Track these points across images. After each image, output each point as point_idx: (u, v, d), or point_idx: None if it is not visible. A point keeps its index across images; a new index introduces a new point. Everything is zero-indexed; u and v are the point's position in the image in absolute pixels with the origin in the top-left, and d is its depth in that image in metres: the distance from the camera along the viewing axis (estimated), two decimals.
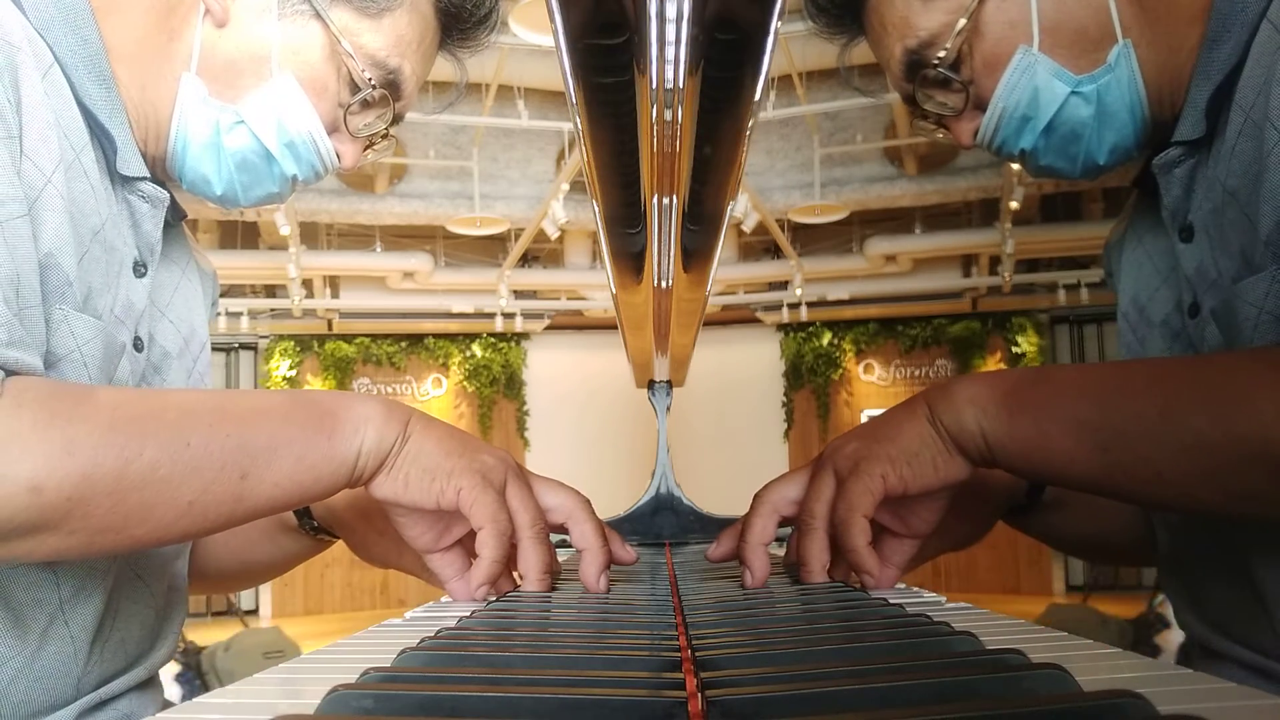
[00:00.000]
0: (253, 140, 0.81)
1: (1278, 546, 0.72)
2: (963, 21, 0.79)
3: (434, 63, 0.91)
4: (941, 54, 0.81)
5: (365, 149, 0.89)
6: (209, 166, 0.81)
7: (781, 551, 1.10)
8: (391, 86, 0.85)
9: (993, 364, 9.26)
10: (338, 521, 0.93)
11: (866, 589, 0.75)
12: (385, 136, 0.89)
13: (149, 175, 0.79)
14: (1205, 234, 0.76)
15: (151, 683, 0.86)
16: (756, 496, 0.83)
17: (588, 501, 0.79)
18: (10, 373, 0.60)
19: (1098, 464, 0.67)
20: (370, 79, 0.83)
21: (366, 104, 0.85)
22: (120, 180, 0.77)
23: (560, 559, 1.03)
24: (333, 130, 0.85)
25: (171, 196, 0.86)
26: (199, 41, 0.78)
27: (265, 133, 0.80)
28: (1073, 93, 0.78)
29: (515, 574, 0.80)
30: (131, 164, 0.77)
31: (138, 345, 0.80)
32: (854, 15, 0.89)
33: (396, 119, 0.88)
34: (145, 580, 0.82)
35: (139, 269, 0.79)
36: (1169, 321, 0.85)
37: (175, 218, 0.87)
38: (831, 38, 0.92)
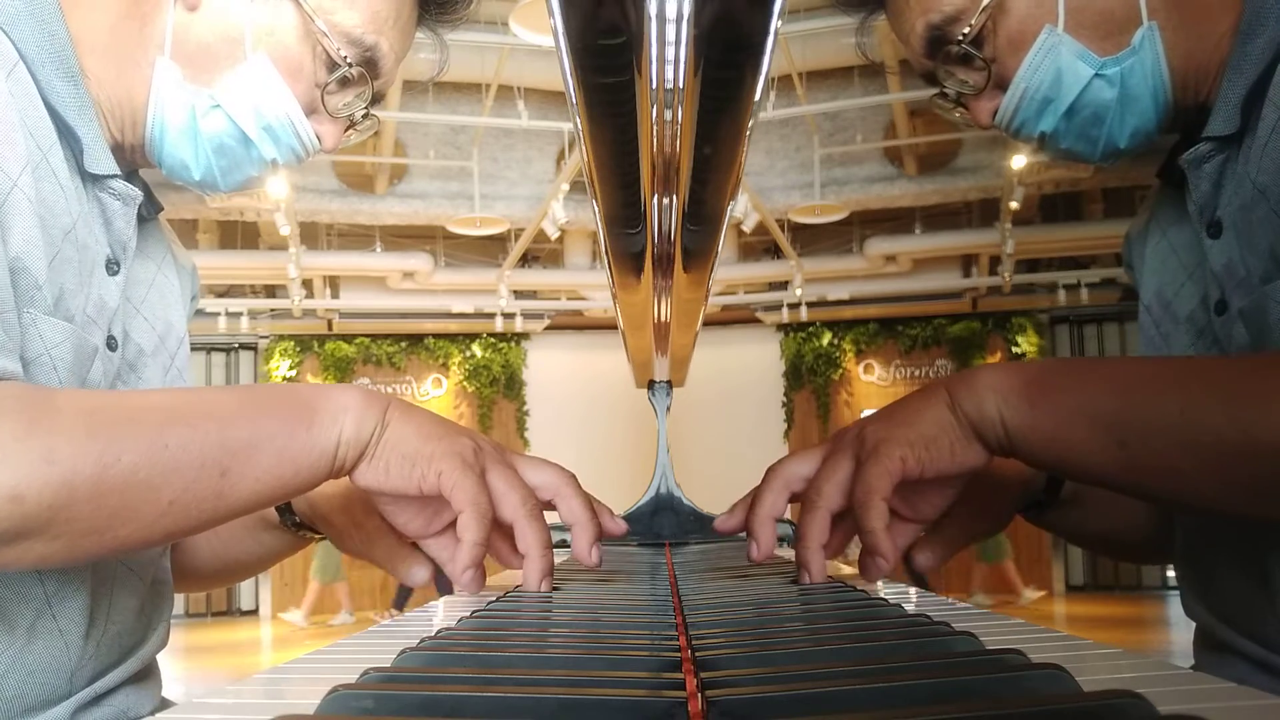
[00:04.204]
0: (229, 124, 0.80)
1: None
2: None
3: (413, 38, 0.90)
4: (965, 31, 0.80)
5: (347, 129, 0.87)
6: (186, 152, 0.80)
7: (788, 555, 1.10)
8: (369, 64, 0.83)
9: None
10: (319, 517, 0.93)
11: (871, 572, 0.75)
12: (366, 116, 0.87)
13: (119, 172, 0.78)
14: (1234, 230, 0.76)
15: (149, 677, 0.86)
16: (769, 470, 0.82)
17: (573, 476, 0.79)
18: None
19: (1116, 459, 0.67)
20: (346, 57, 0.81)
21: (344, 83, 0.84)
22: (90, 178, 0.77)
23: (560, 560, 1.03)
24: (311, 111, 0.83)
25: (148, 191, 0.86)
26: (171, 25, 0.78)
27: (241, 116, 0.80)
28: (1096, 75, 0.78)
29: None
30: (100, 162, 0.76)
31: (111, 345, 0.79)
32: None
33: (376, 98, 0.87)
34: (134, 571, 0.82)
35: (111, 267, 0.79)
36: (1194, 318, 0.84)
37: (150, 212, 0.87)
38: (850, 11, 0.91)
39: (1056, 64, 0.78)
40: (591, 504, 0.78)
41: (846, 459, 0.77)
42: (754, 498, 0.81)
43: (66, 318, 0.71)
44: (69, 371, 0.71)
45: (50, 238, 0.69)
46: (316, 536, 0.96)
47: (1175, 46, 0.77)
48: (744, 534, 0.83)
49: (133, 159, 0.82)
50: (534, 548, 0.74)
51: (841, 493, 0.76)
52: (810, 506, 0.77)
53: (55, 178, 0.71)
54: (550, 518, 0.79)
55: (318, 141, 0.85)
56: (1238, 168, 0.75)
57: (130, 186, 0.79)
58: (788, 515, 0.89)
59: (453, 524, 0.77)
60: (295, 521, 0.94)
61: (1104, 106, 0.79)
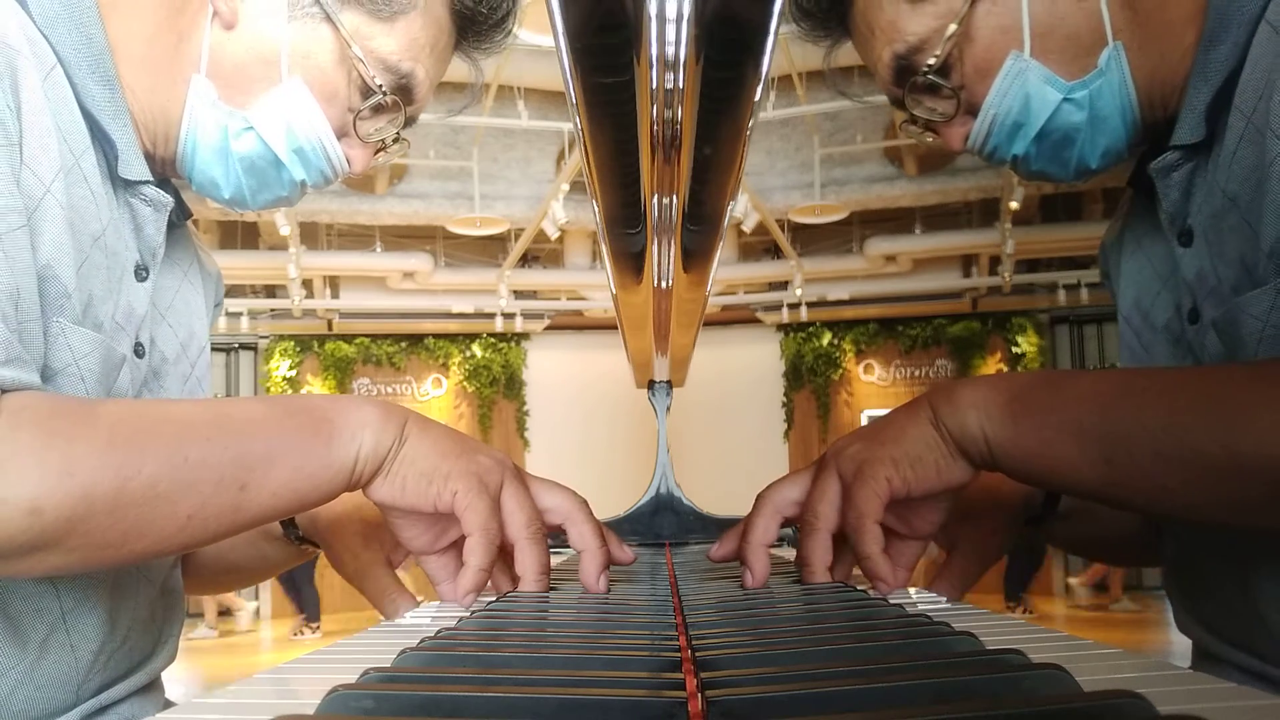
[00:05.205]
0: (261, 146, 0.80)
1: (1277, 554, 0.72)
2: (953, 27, 0.78)
3: (449, 65, 0.90)
4: (931, 60, 0.79)
5: (376, 153, 0.87)
6: (217, 170, 0.80)
7: (788, 555, 1.10)
8: (403, 91, 0.83)
9: (993, 364, 9.25)
10: (319, 536, 0.93)
11: (881, 594, 0.75)
12: (397, 140, 0.87)
13: (151, 178, 0.78)
14: (1205, 239, 0.75)
15: (153, 686, 0.86)
16: (759, 497, 0.82)
17: (585, 503, 0.79)
18: (6, 391, 0.60)
19: (1100, 474, 0.66)
20: (381, 84, 0.81)
21: (378, 109, 0.83)
22: (122, 183, 0.76)
23: (560, 560, 1.03)
24: (342, 135, 0.83)
25: (177, 197, 0.85)
26: (208, 43, 0.77)
27: (274, 139, 0.80)
28: (1065, 99, 0.77)
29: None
30: (133, 167, 0.76)
31: (139, 351, 0.79)
32: (839, 18, 0.88)
33: (408, 122, 0.86)
34: (145, 586, 0.82)
35: (140, 273, 0.78)
36: (1170, 326, 0.84)
37: (180, 218, 0.86)
38: (816, 40, 0.91)
39: (1025, 89, 0.78)
40: (601, 531, 0.78)
41: (834, 479, 0.77)
42: (745, 526, 0.81)
43: (95, 325, 0.71)
44: (96, 381, 0.71)
45: (80, 244, 0.69)
46: (317, 550, 0.96)
47: (1141, 65, 0.77)
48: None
49: (163, 170, 0.82)
50: (530, 571, 0.74)
51: (837, 511, 0.76)
52: (810, 530, 0.77)
53: (87, 183, 0.71)
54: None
55: (347, 165, 0.85)
56: (1207, 176, 0.75)
57: (162, 193, 0.79)
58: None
59: (455, 543, 0.77)
60: (298, 536, 0.94)
61: (1074, 129, 0.78)
